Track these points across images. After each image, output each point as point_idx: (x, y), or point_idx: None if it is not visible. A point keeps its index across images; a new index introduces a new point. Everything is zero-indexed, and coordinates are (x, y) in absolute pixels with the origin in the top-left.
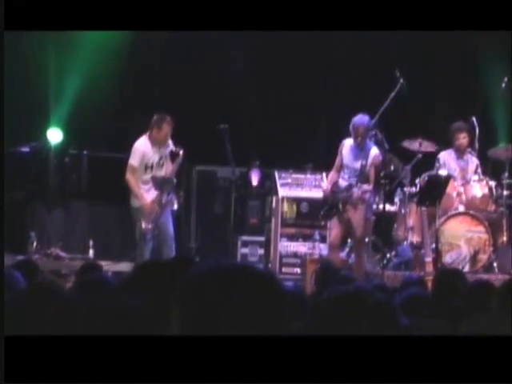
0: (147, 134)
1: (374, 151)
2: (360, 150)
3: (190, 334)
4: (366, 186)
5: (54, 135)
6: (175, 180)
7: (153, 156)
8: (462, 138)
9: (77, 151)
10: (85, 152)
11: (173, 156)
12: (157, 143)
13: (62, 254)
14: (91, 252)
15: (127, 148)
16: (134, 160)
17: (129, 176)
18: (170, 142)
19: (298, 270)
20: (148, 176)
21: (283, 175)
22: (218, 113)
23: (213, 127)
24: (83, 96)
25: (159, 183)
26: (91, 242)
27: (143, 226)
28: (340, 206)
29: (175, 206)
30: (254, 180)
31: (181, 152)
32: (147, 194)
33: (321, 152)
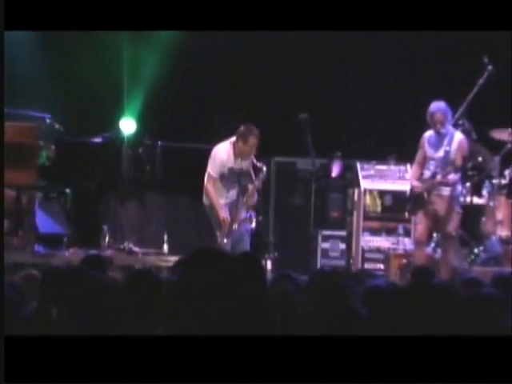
0: (232, 142)
1: (459, 136)
2: (442, 138)
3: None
4: (448, 170)
5: (128, 126)
6: (256, 196)
7: (233, 167)
8: None
9: (151, 142)
10: (159, 143)
11: (255, 171)
12: (240, 155)
13: (136, 248)
14: (165, 247)
15: (202, 138)
16: (213, 169)
17: (208, 186)
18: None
19: (382, 266)
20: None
21: (365, 166)
22: (298, 102)
23: (293, 117)
24: (157, 87)
25: (237, 175)
26: (166, 236)
27: (218, 238)
28: (425, 196)
29: (253, 225)
30: (335, 171)
31: (264, 168)
32: (224, 207)
33: (405, 142)
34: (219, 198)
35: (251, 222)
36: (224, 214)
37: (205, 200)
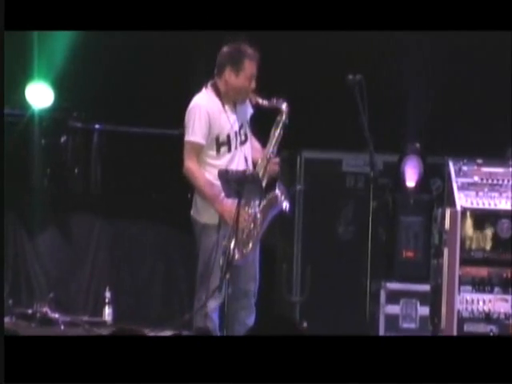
0: (210, 83)
1: None
2: None
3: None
4: None
5: (40, 95)
6: (277, 159)
7: (228, 121)
8: None
9: (82, 124)
10: (97, 126)
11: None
12: (231, 98)
13: (54, 314)
14: (107, 311)
15: (171, 120)
16: (193, 133)
17: (190, 164)
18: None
19: None
20: (222, 161)
21: (464, 168)
22: (343, 59)
23: (334, 80)
24: (91, 35)
25: (233, 183)
26: (108, 294)
27: (235, 252)
28: None
29: (284, 206)
30: (411, 177)
31: (284, 106)
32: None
33: None
34: (214, 180)
35: (278, 202)
36: (229, 205)
37: (193, 212)
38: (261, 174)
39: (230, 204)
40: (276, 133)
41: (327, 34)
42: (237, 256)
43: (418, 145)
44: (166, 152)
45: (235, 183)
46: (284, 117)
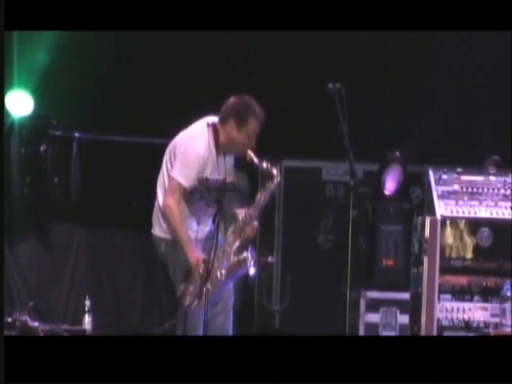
0: (211, 124)
1: None
2: None
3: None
4: None
5: (20, 104)
6: (255, 223)
7: (214, 172)
8: None
9: (62, 133)
10: (76, 134)
11: (256, 177)
12: (227, 148)
13: (34, 323)
14: (87, 320)
15: (152, 128)
16: (186, 175)
17: (172, 202)
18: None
19: None
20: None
21: (444, 177)
22: (324, 68)
23: (314, 89)
24: (71, 43)
25: (214, 191)
26: (87, 302)
27: (187, 299)
28: None
29: (251, 271)
30: (391, 186)
31: (274, 172)
32: (197, 243)
33: None
34: (188, 227)
35: (247, 267)
36: (198, 253)
37: (158, 231)
38: (237, 234)
39: (198, 252)
40: (262, 198)
41: (308, 41)
42: (193, 297)
43: (398, 153)
44: (146, 160)
45: (215, 191)
46: (274, 185)
